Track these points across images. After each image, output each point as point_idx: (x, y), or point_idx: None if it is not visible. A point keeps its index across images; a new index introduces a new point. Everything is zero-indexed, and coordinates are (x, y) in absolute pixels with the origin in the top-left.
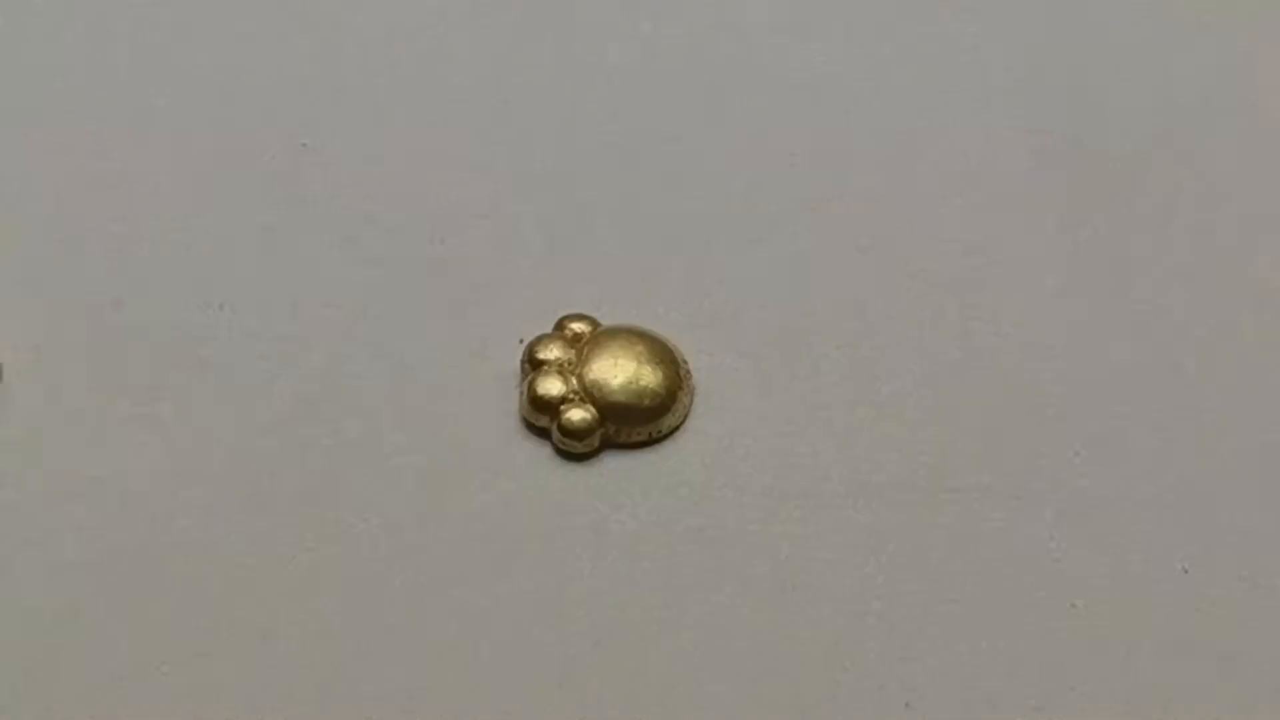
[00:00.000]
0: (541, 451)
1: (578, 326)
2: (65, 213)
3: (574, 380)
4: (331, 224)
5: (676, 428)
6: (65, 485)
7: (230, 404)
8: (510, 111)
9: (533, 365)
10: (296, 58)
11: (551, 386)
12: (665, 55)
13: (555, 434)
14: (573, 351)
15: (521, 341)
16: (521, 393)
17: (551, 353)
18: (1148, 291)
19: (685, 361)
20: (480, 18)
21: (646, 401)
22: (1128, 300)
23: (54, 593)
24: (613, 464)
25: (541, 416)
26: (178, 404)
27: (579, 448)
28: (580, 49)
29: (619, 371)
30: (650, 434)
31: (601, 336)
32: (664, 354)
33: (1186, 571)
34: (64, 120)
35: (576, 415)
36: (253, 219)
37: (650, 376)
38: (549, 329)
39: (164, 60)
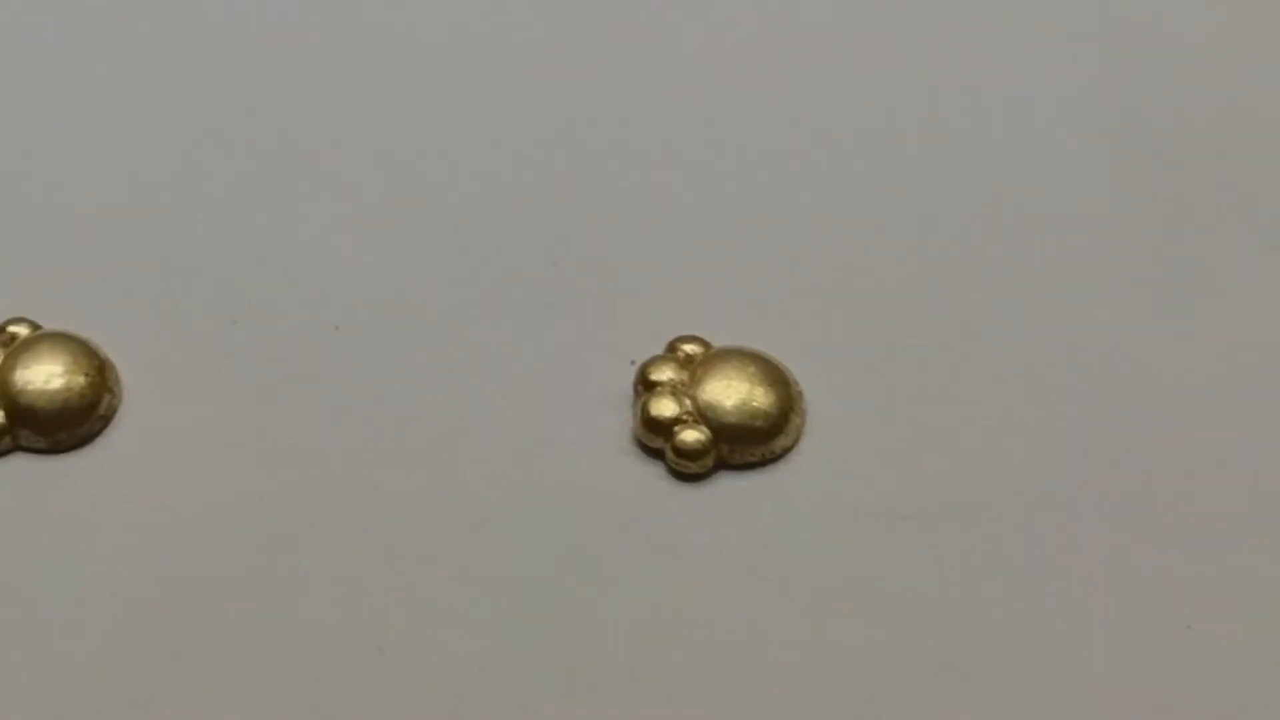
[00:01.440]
0: (655, 472)
1: (690, 348)
2: (184, 231)
3: (687, 401)
4: (444, 246)
5: (789, 449)
6: (182, 502)
7: (343, 424)
8: (623, 131)
9: (645, 387)
10: (410, 79)
11: (665, 408)
12: (779, 76)
13: (669, 455)
14: (685, 373)
15: (633, 363)
16: (635, 414)
17: (664, 374)
18: (1242, 304)
19: (797, 383)
20: (592, 37)
21: (759, 422)
22: (1222, 312)
23: (171, 608)
24: (726, 485)
25: (655, 438)
26: (292, 423)
27: (693, 468)
28: (694, 68)
29: (732, 393)
30: (763, 455)
31: (714, 358)
32: (776, 375)
33: None
34: (182, 141)
35: (691, 436)
36: (367, 240)
37: (763, 398)
38: (661, 350)
39: (282, 81)
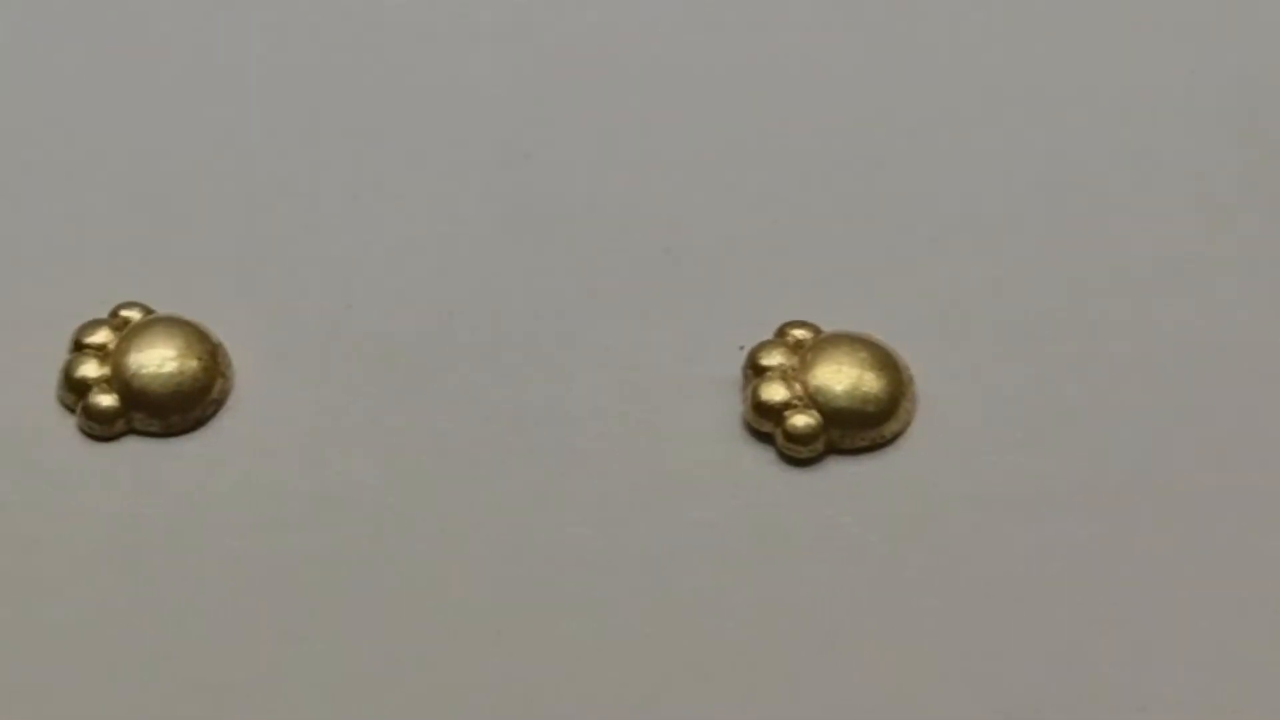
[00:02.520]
0: (765, 457)
1: (799, 333)
2: (298, 214)
3: (797, 386)
4: (554, 233)
5: (900, 433)
6: (295, 487)
7: (456, 410)
8: (730, 118)
9: (755, 371)
10: (520, 69)
11: (775, 392)
12: (888, 60)
13: (779, 439)
14: (795, 358)
15: (742, 348)
16: (745, 399)
17: (774, 359)
18: None
19: (908, 367)
20: (696, 25)
21: (870, 407)
22: None
23: (284, 593)
24: (836, 470)
25: (765, 422)
26: (404, 409)
27: (804, 453)
28: (800, 54)
29: (842, 378)
30: (874, 440)
31: (824, 343)
32: (887, 360)
33: None
34: (297, 125)
35: (801, 421)
36: (478, 228)
37: (873, 382)
38: (770, 336)
39: (398, 69)
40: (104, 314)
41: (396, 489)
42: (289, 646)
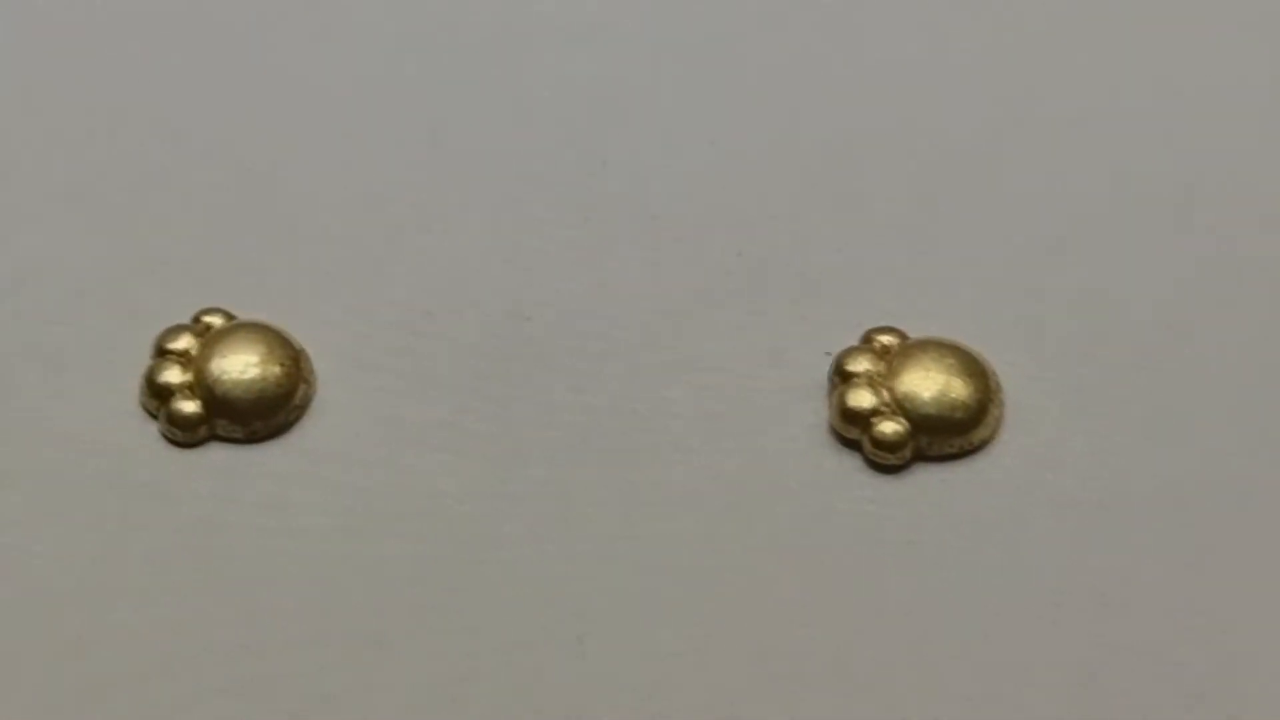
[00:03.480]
0: (852, 464)
1: (886, 339)
2: (378, 220)
3: (884, 393)
4: (636, 238)
5: (988, 440)
6: (377, 495)
7: (536, 416)
8: (812, 122)
9: (842, 378)
10: (603, 73)
11: (862, 399)
12: (974, 65)
13: (867, 446)
14: (882, 364)
15: (828, 354)
16: (831, 405)
17: (860, 365)
18: None
19: (995, 374)
20: (774, 30)
21: (958, 414)
22: None
23: (366, 598)
24: (924, 477)
25: (852, 429)
26: (486, 414)
27: (891, 460)
28: (883, 59)
29: (930, 384)
30: (961, 447)
31: (911, 349)
32: (974, 366)
33: None
34: (377, 133)
35: (889, 428)
36: (557, 233)
37: (961, 389)
38: (856, 341)
39: (478, 76)
40: (186, 319)
41: (477, 495)
42: (370, 653)
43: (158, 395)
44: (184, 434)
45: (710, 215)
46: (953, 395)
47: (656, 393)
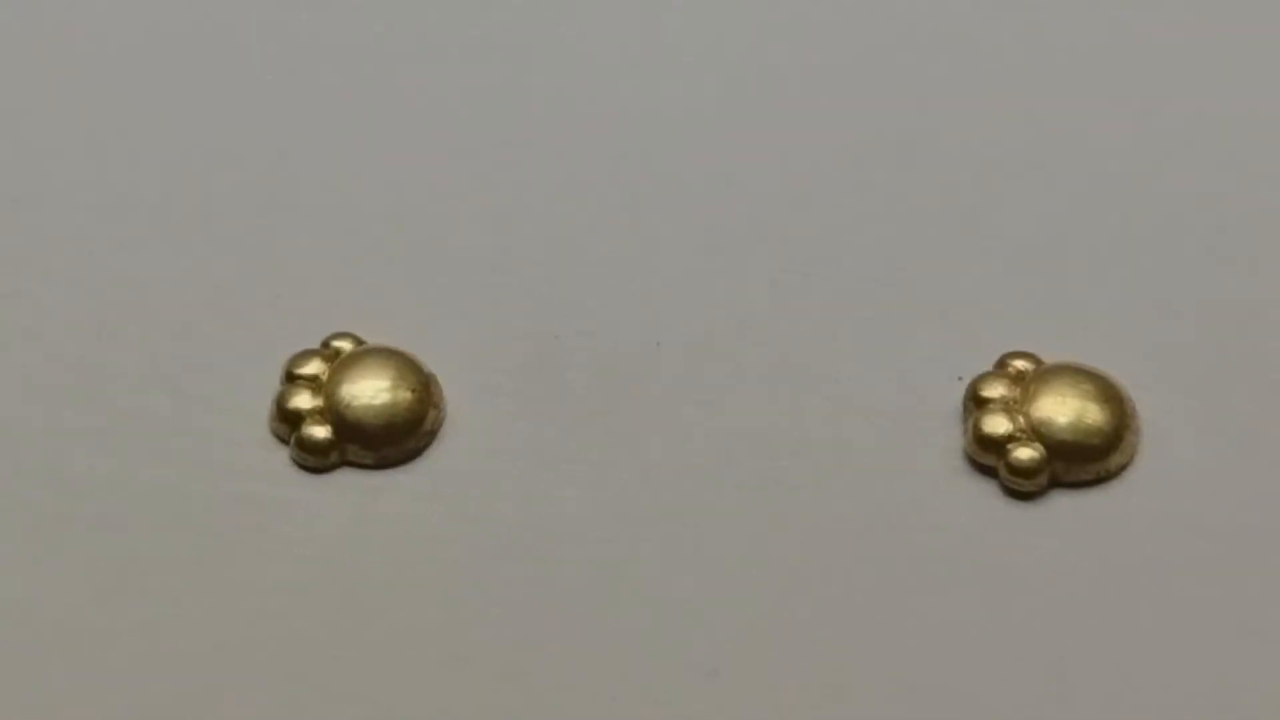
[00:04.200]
0: (987, 490)
1: (1020, 364)
2: (505, 245)
3: (1020, 419)
4: (768, 262)
5: (1124, 466)
6: (508, 520)
7: (665, 441)
8: (942, 145)
9: (977, 403)
10: (736, 93)
11: (998, 425)
12: (1113, 89)
13: (1003, 472)
14: (1017, 389)
15: (961, 379)
16: (966, 431)
17: (995, 391)
18: None
19: (1131, 399)
20: (892, 49)
21: (1094, 440)
22: None
23: (498, 625)
24: (1060, 503)
25: (987, 455)
26: (615, 441)
27: (1028, 486)
28: (1014, 82)
29: (1066, 410)
30: (1098, 473)
31: (1046, 374)
32: (1110, 392)
33: None
34: (499, 165)
35: (1025, 454)
36: (685, 257)
37: (1097, 415)
38: (990, 367)
39: (595, 106)
40: (315, 344)
41: (607, 522)
42: (500, 681)
43: (288, 421)
44: (314, 460)
45: (846, 239)
46: (1089, 421)
47: (789, 419)
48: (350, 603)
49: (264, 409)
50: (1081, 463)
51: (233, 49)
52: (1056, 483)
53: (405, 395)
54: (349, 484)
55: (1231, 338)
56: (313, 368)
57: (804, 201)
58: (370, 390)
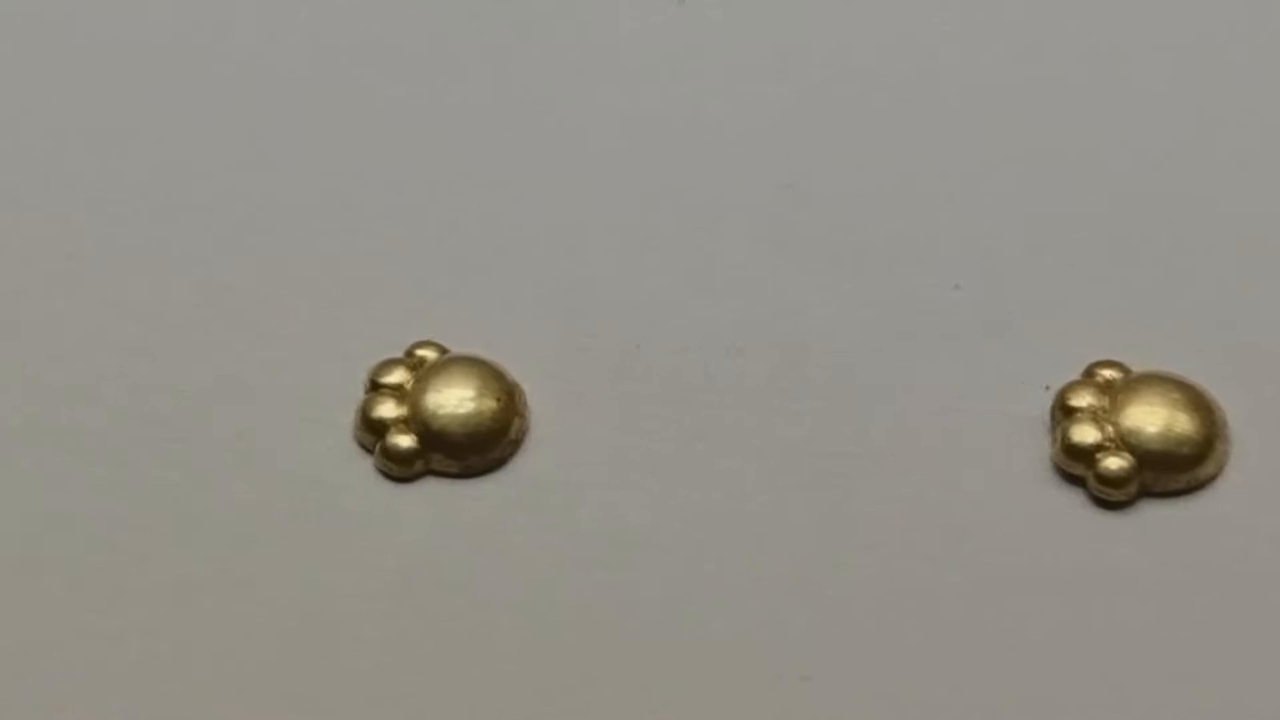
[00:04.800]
0: (1076, 500)
1: (1108, 373)
2: (587, 253)
3: (1109, 428)
4: (849, 269)
5: (1215, 476)
6: (593, 530)
7: (749, 451)
8: (1028, 147)
9: (1064, 412)
10: (811, 102)
11: (1086, 434)
12: (1197, 89)
13: (1091, 482)
14: (1105, 398)
15: (1048, 388)
16: (1054, 440)
17: (1084, 400)
18: None
19: (1221, 408)
20: (969, 49)
21: (1184, 450)
22: None
23: (582, 635)
24: (1150, 513)
25: (1076, 464)
26: (700, 449)
27: (1117, 496)
28: (1096, 80)
29: (1155, 419)
30: (1187, 483)
31: (1134, 383)
32: (1199, 400)
33: None
34: (579, 173)
35: (1114, 464)
36: (767, 265)
37: (1187, 424)
38: (1077, 375)
39: (673, 113)
40: (398, 353)
41: (693, 531)
42: (587, 690)
43: (372, 430)
44: (399, 469)
45: (928, 246)
46: (1178, 430)
47: (874, 428)
48: (434, 612)
49: (348, 418)
50: (1171, 472)
51: (316, 58)
52: (1146, 492)
53: (490, 404)
54: (434, 493)
55: None
56: (397, 376)
57: (886, 208)
58: (455, 399)
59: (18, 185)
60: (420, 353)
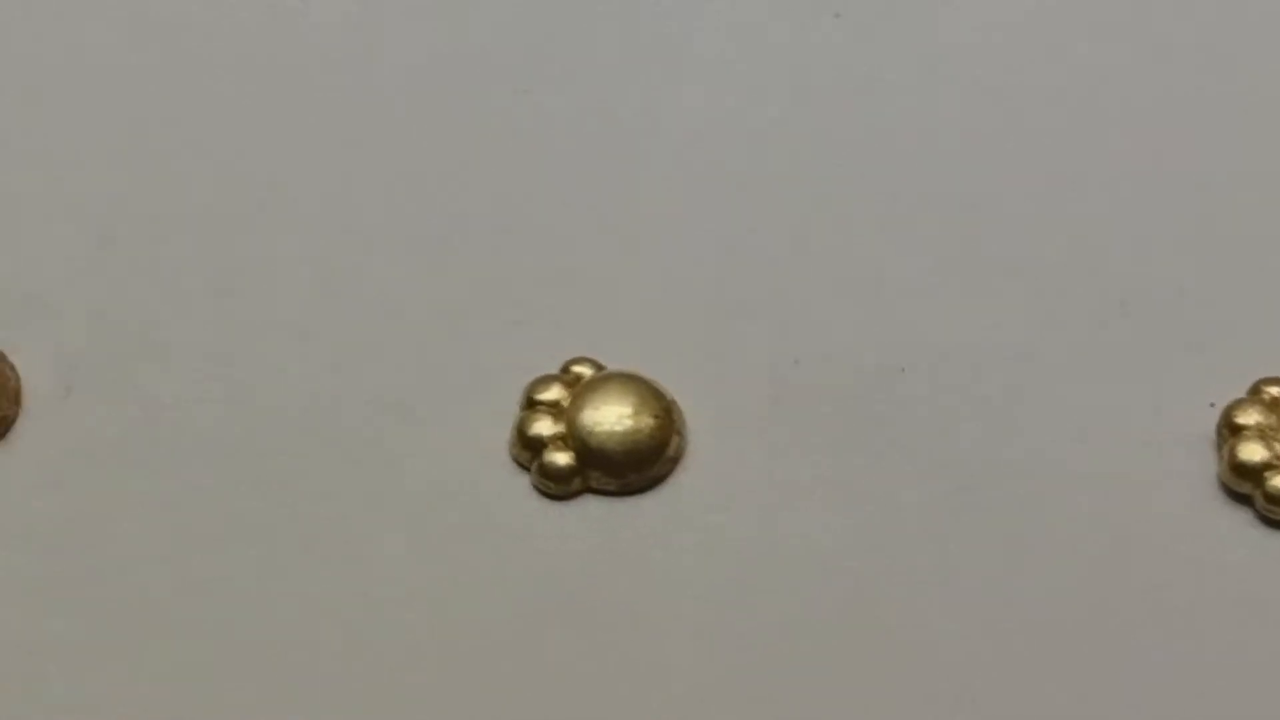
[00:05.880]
0: (1243, 519)
1: (1275, 390)
2: (740, 271)
3: (1277, 445)
4: (1012, 287)
5: None
6: (753, 549)
7: (913, 469)
8: (1196, 163)
9: (1230, 430)
10: (946, 114)
11: (1254, 452)
12: None
13: (1260, 501)
14: (1273, 416)
15: (1213, 405)
16: (1221, 458)
17: (1251, 417)
18: None
19: None
20: (1142, 70)
21: None
22: None
23: (740, 656)
24: None
25: (1244, 483)
26: (860, 468)
27: None
28: (1256, 91)
29: None
30: None
31: None
32: None
33: None
34: (736, 181)
35: None
36: (929, 281)
37: None
38: (1243, 393)
39: (837, 126)
40: (554, 369)
41: (853, 551)
42: (749, 710)
43: (530, 447)
44: (557, 486)
45: (1086, 262)
46: None
47: (1035, 446)
48: (594, 631)
49: (504, 435)
50: None
51: (474, 76)
52: None
53: (648, 421)
54: (591, 511)
55: None
56: (553, 393)
57: (1052, 225)
58: (613, 416)
59: (191, 206)
60: (576, 369)
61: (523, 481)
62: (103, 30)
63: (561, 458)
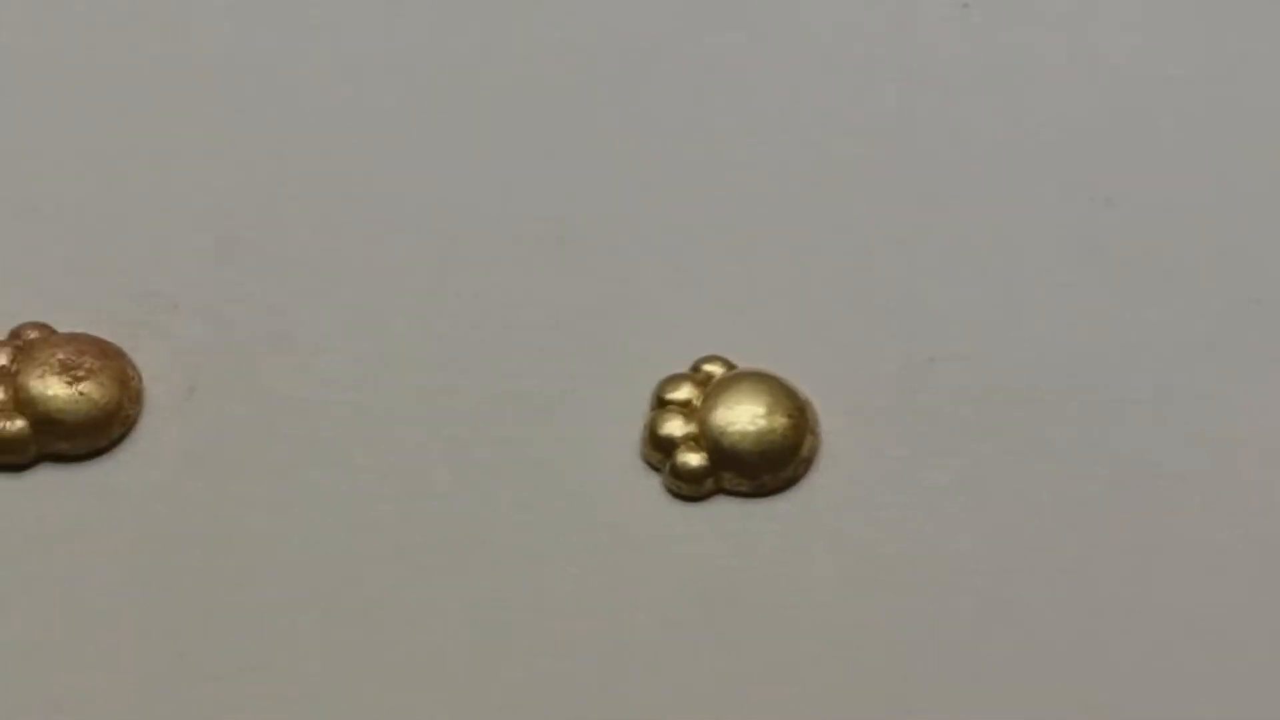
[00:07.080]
0: None
1: None
2: (871, 268)
3: None
4: (1146, 283)
5: None
6: (890, 551)
7: (1052, 469)
8: None
9: None
10: (1080, 110)
11: None
12: None
13: None
14: None
15: None
16: None
17: None
18: None
19: None
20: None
21: None
22: None
23: (878, 659)
24: None
25: None
26: (997, 468)
27: None
28: None
29: None
30: None
31: None
32: None
33: None
34: (865, 179)
35: None
36: (1060, 277)
37: None
38: None
39: (969, 118)
40: (684, 368)
41: (992, 554)
42: (888, 714)
43: (661, 448)
44: (689, 487)
45: (1231, 263)
46: None
47: (1172, 446)
48: (728, 632)
49: (634, 435)
50: None
51: (585, 80)
52: None
53: (781, 421)
54: (724, 512)
55: None
56: (684, 393)
57: (1186, 220)
58: (746, 416)
59: (313, 201)
60: (707, 368)
61: (654, 483)
62: (220, 29)
63: (694, 458)
